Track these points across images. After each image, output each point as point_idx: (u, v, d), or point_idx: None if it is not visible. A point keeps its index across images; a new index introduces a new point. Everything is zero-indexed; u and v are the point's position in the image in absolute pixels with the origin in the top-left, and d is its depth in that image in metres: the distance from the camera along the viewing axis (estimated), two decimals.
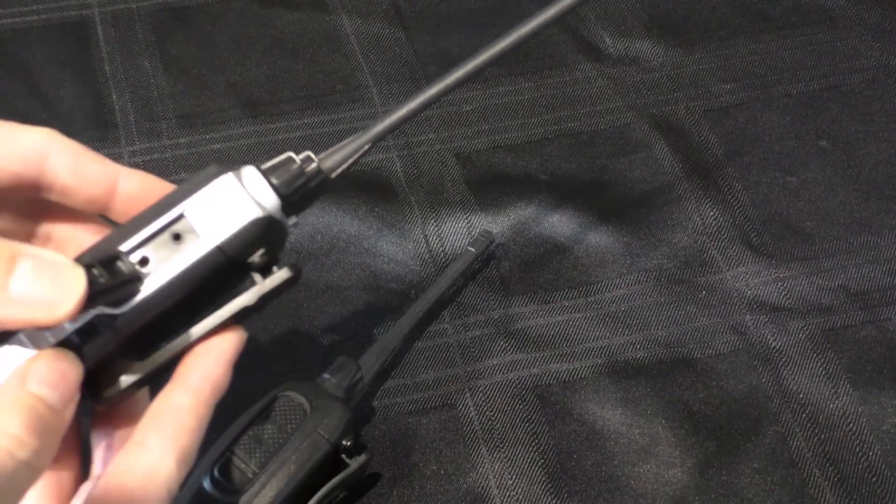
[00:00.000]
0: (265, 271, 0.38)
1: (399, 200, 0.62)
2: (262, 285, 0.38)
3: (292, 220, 0.39)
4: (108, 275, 0.34)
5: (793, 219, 0.62)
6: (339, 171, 0.40)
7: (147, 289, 0.35)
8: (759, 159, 0.65)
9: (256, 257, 0.37)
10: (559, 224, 0.61)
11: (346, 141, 0.40)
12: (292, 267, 0.38)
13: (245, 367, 0.55)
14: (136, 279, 0.35)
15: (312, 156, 0.39)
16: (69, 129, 0.64)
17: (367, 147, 0.40)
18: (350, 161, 0.40)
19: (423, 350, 0.56)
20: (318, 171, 0.39)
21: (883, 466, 0.52)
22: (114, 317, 0.35)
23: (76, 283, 0.31)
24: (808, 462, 0.53)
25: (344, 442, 0.48)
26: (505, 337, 0.57)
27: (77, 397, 0.33)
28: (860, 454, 0.53)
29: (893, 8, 0.74)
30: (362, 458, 0.49)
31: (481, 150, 0.65)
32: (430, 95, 0.40)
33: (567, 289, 0.59)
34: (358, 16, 0.72)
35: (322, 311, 0.57)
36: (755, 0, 0.74)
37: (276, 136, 0.65)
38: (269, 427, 0.47)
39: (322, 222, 0.61)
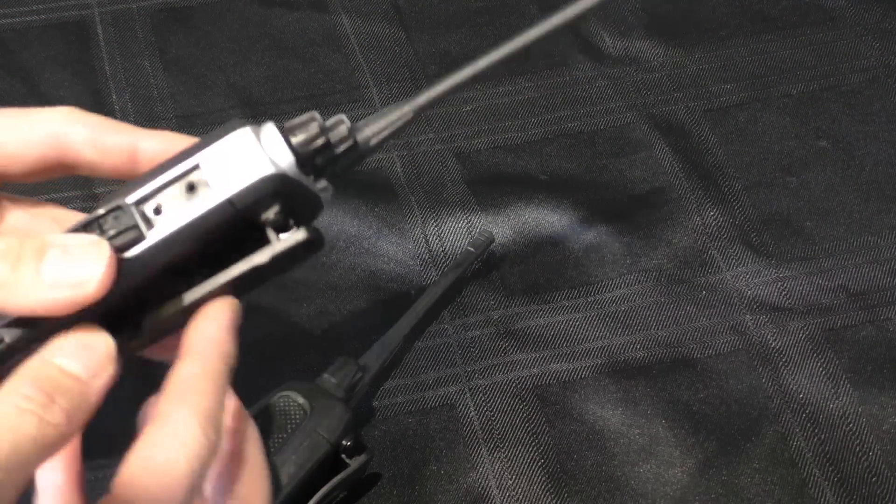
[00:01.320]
0: (282, 230, 0.37)
1: (399, 200, 0.62)
2: (275, 244, 0.37)
3: (321, 183, 0.38)
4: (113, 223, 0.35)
5: (793, 219, 0.62)
6: (377, 140, 0.38)
7: (154, 236, 0.36)
8: (759, 159, 0.65)
9: (271, 214, 0.37)
10: (559, 224, 0.61)
11: (386, 108, 0.39)
12: (311, 229, 0.37)
13: (245, 367, 0.55)
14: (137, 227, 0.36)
15: (345, 119, 0.38)
16: None
17: (409, 116, 0.39)
18: (388, 131, 0.38)
19: (423, 350, 0.56)
20: (347, 136, 0.38)
21: (883, 466, 0.52)
22: (121, 261, 0.35)
23: (100, 258, 0.34)
24: (808, 462, 0.53)
25: (344, 442, 0.48)
26: (505, 337, 0.57)
27: (108, 372, 0.34)
28: (860, 454, 0.53)
29: (893, 8, 0.74)
30: (362, 458, 0.49)
31: (481, 150, 0.65)
32: (478, 68, 0.39)
33: (567, 289, 0.59)
34: (358, 16, 0.72)
35: (322, 311, 0.57)
36: (755, 0, 0.74)
37: None
38: (269, 427, 0.47)
39: (322, 222, 0.60)
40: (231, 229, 0.36)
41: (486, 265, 0.59)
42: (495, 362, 0.56)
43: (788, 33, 0.72)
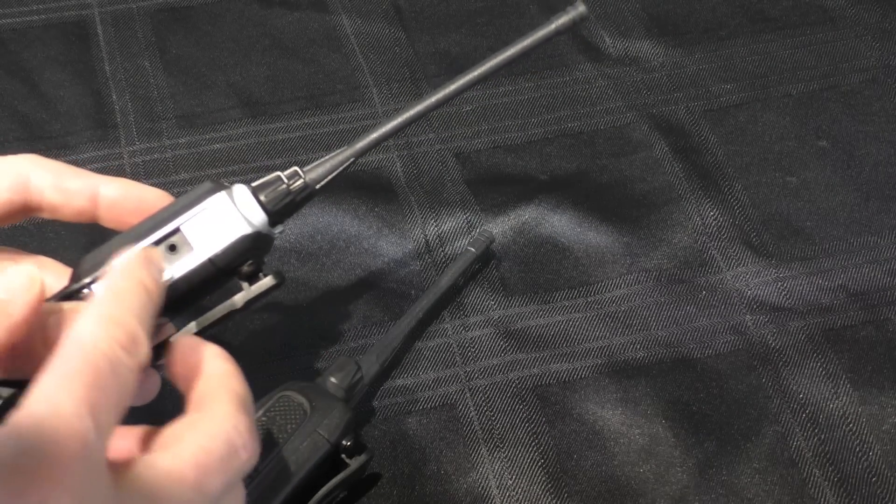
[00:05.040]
0: (252, 278, 0.42)
1: (399, 200, 0.62)
2: (248, 291, 0.42)
3: (278, 229, 0.43)
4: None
5: (793, 219, 0.62)
6: (324, 182, 0.43)
7: None
8: (759, 159, 0.65)
9: (245, 267, 0.41)
10: (559, 224, 0.61)
11: (332, 154, 0.44)
12: (276, 275, 0.42)
13: (245, 367, 0.55)
14: None
15: (300, 171, 0.43)
16: (69, 128, 0.64)
17: (351, 160, 0.44)
18: (334, 174, 0.44)
19: (423, 350, 0.56)
20: (305, 186, 0.43)
21: (883, 466, 0.52)
22: None
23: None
24: (808, 462, 0.53)
25: (344, 442, 0.48)
26: (505, 337, 0.57)
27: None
28: (860, 454, 0.53)
29: (893, 8, 0.74)
30: (362, 458, 0.49)
31: (481, 150, 0.65)
32: (417, 111, 0.44)
33: (567, 289, 0.59)
34: (358, 16, 0.72)
35: (322, 311, 0.57)
36: (755, 0, 0.74)
37: (276, 136, 0.65)
38: (270, 427, 0.47)
39: (322, 222, 0.61)
40: (209, 281, 0.41)
41: (486, 265, 0.59)
42: (495, 362, 0.56)
43: (788, 33, 0.72)
